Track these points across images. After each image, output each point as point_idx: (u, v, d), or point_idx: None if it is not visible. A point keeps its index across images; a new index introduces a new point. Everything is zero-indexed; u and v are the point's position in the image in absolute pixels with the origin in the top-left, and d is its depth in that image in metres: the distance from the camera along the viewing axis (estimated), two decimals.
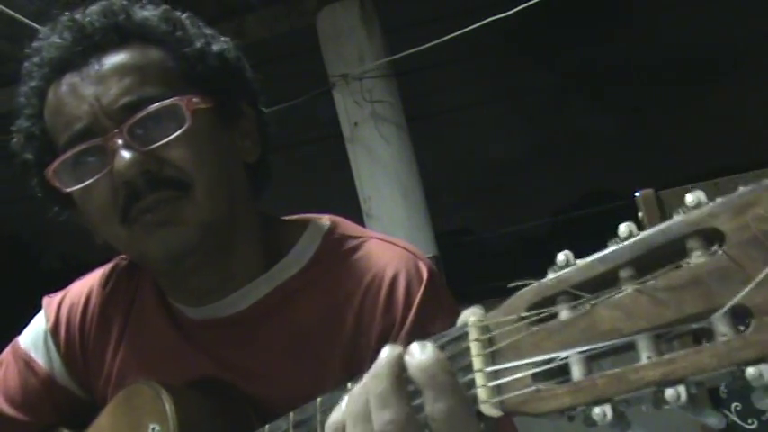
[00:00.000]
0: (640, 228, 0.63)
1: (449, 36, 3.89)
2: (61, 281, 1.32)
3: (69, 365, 1.23)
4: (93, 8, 1.09)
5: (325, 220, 1.17)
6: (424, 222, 4.25)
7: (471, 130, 5.31)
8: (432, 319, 1.03)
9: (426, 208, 4.28)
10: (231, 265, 1.09)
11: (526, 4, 3.59)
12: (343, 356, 1.03)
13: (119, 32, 1.06)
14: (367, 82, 4.18)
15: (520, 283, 0.69)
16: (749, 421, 4.62)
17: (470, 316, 0.72)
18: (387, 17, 4.27)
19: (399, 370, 0.72)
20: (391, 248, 1.12)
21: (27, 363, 1.24)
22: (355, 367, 1.00)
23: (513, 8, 3.63)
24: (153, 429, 1.03)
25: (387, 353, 0.73)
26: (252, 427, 0.97)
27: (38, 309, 1.30)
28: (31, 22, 3.32)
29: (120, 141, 1.00)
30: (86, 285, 1.24)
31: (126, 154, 0.99)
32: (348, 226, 1.17)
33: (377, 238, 1.15)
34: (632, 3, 4.82)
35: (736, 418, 4.69)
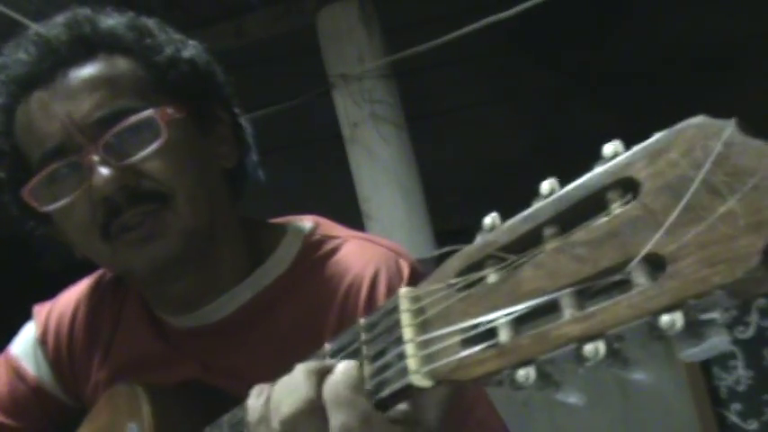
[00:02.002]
0: None
1: (449, 36, 3.89)
2: (60, 281, 1.31)
3: (57, 374, 1.23)
4: (58, 20, 1.07)
5: (308, 221, 1.16)
6: (424, 222, 4.24)
7: (471, 130, 5.30)
8: None
9: (426, 208, 4.27)
10: (213, 271, 1.09)
11: (526, 5, 3.58)
12: None
13: (85, 45, 1.05)
14: (367, 82, 4.17)
15: (449, 249, 0.69)
16: (749, 422, 4.61)
17: (401, 289, 0.73)
18: (387, 17, 4.26)
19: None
20: (371, 247, 1.12)
21: (16, 370, 1.25)
22: None
23: (513, 8, 3.62)
24: (131, 429, 1.03)
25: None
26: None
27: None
28: (30, 23, 3.31)
29: (95, 158, 0.99)
30: (74, 295, 1.25)
31: (103, 170, 0.98)
32: (329, 226, 1.17)
33: (357, 238, 1.15)
34: (633, 2, 4.81)
35: (736, 419, 4.67)
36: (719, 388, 4.65)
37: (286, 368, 0.94)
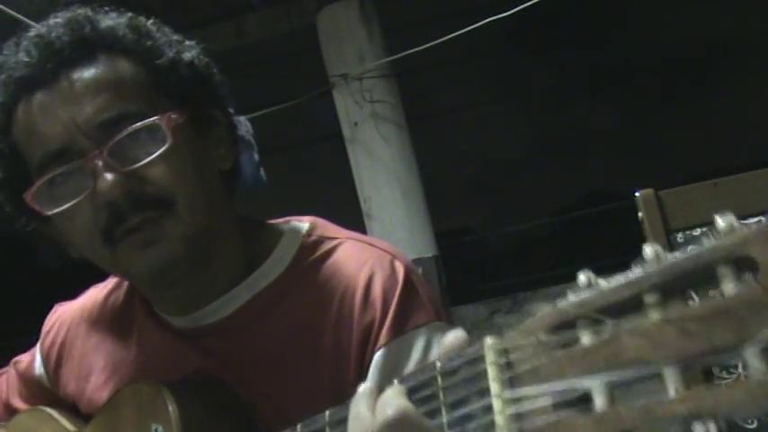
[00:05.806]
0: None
1: (449, 36, 3.89)
2: (59, 281, 1.32)
3: (47, 371, 1.27)
4: (58, 21, 1.06)
5: (305, 221, 1.16)
6: (424, 222, 4.25)
7: (471, 130, 5.32)
8: (411, 316, 1.03)
9: (426, 208, 4.28)
10: (212, 273, 1.08)
11: (526, 5, 3.59)
12: (327, 360, 1.03)
13: (86, 45, 1.03)
14: (367, 82, 4.18)
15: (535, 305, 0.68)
16: (749, 421, 4.63)
17: (487, 339, 0.71)
18: (387, 17, 4.27)
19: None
20: (367, 249, 1.12)
21: (32, 361, 1.28)
22: (340, 371, 1.01)
23: (513, 8, 3.62)
24: (156, 430, 1.02)
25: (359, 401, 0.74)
26: (254, 429, 0.97)
27: (35, 310, 1.31)
28: (31, 22, 3.31)
29: (100, 163, 0.98)
30: (88, 299, 1.26)
31: (108, 175, 0.98)
32: (326, 227, 1.16)
33: (353, 239, 1.14)
34: (632, 2, 4.82)
35: (736, 418, 4.69)
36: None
37: (282, 371, 0.94)
